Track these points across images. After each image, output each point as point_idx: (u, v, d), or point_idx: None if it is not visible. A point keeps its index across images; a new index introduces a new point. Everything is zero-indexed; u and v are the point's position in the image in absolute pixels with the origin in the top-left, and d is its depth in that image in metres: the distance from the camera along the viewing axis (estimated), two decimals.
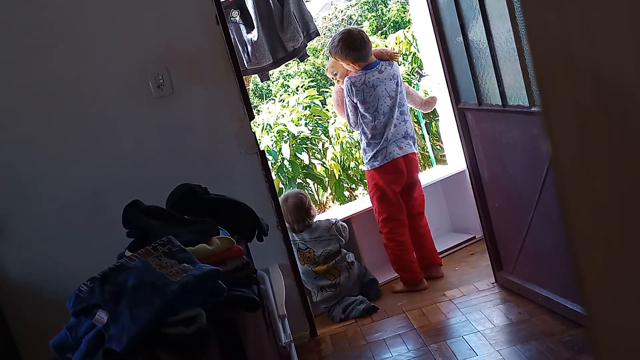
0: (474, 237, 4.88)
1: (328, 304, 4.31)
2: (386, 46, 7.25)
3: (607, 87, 0.64)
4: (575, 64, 0.67)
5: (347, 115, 4.35)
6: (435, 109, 4.91)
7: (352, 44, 4.17)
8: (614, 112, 0.64)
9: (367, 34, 4.51)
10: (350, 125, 4.41)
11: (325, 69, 4.68)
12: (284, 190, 6.17)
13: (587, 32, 0.65)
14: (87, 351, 1.75)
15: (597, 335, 0.75)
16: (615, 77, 0.63)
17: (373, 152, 4.26)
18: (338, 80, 4.43)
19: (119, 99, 3.61)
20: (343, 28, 4.28)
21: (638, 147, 0.62)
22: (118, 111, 3.62)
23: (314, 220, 4.39)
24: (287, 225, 4.10)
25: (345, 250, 4.39)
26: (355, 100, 4.24)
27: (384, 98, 4.25)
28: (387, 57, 4.32)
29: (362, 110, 4.25)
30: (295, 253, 4.24)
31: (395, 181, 4.30)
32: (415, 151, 4.40)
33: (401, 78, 4.35)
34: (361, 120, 4.28)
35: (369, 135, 4.27)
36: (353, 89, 4.23)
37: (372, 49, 4.31)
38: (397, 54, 4.51)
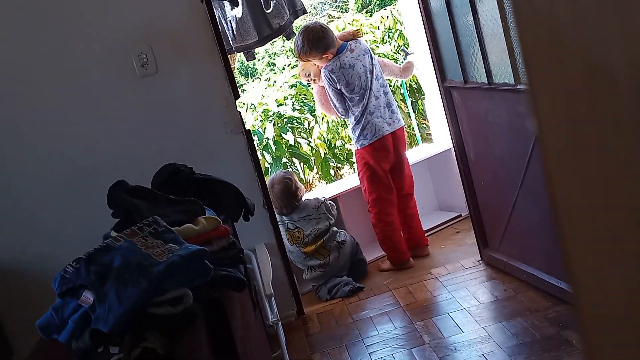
0: (460, 215, 4.90)
1: (317, 283, 4.32)
2: (371, 25, 7.23)
3: (595, 65, 0.64)
4: (563, 43, 0.67)
5: (335, 107, 4.32)
6: (421, 86, 4.91)
7: (315, 37, 4.18)
8: (601, 91, 0.63)
9: (353, 12, 4.51)
10: (342, 115, 4.36)
11: (298, 75, 4.65)
12: (269, 170, 6.16)
13: (575, 11, 0.64)
14: (73, 332, 1.75)
15: (582, 306, 0.75)
16: (603, 56, 0.62)
17: (361, 130, 4.25)
18: (314, 80, 4.42)
19: (102, 78, 3.57)
20: (301, 27, 4.26)
21: (625, 125, 0.62)
22: (102, 91, 3.58)
23: (303, 199, 4.39)
24: (275, 209, 4.11)
25: (335, 229, 4.39)
26: (339, 87, 4.22)
27: (365, 74, 4.25)
28: (351, 37, 4.32)
29: (348, 95, 4.23)
30: (283, 233, 4.24)
31: (384, 159, 4.30)
32: (403, 124, 4.42)
33: (371, 51, 4.37)
34: (349, 104, 4.27)
35: (356, 114, 4.26)
36: (332, 76, 4.21)
37: (335, 34, 4.33)
38: (358, 30, 4.51)
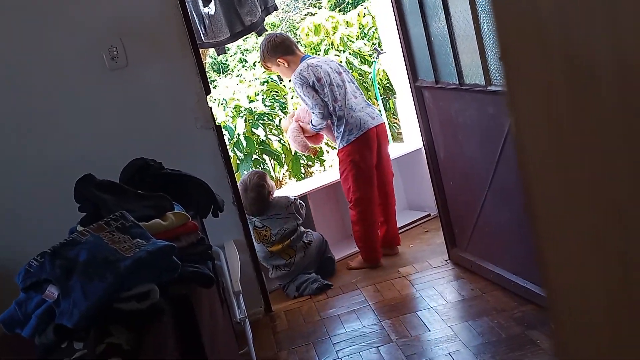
0: (429, 215, 4.93)
1: (282, 282, 4.31)
2: (347, 22, 7.24)
3: (578, 61, 0.63)
4: (545, 36, 0.65)
5: (316, 113, 4.30)
6: (392, 86, 4.93)
7: (272, 43, 4.29)
8: (584, 88, 0.62)
9: (326, 10, 4.56)
10: (325, 117, 4.30)
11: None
12: (240, 166, 6.13)
13: (558, 2, 0.62)
14: (37, 327, 1.72)
15: (557, 308, 0.75)
16: (587, 51, 0.61)
17: (345, 126, 4.24)
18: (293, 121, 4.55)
19: (71, 71, 3.53)
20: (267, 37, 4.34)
21: (608, 123, 0.61)
22: (70, 84, 3.54)
23: (273, 196, 4.39)
24: (245, 210, 4.10)
25: (303, 229, 4.38)
26: (311, 83, 4.22)
27: (333, 73, 4.28)
28: None
29: (321, 90, 4.22)
30: (250, 231, 4.23)
31: (370, 154, 4.31)
32: (385, 121, 4.44)
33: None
34: (329, 104, 4.25)
35: (338, 112, 4.24)
36: (302, 74, 4.22)
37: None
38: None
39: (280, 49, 4.29)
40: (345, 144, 4.27)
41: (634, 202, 0.61)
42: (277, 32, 4.46)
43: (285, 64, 4.31)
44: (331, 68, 4.31)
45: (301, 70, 4.22)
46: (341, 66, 4.43)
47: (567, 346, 0.75)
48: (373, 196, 4.36)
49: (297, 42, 5.59)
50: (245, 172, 6.09)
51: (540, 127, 0.68)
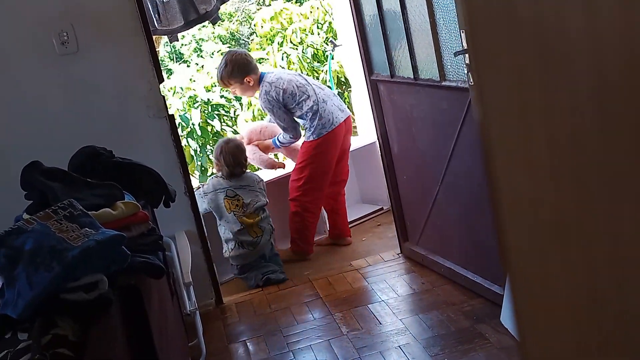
0: (382, 209, 4.95)
1: (240, 262, 4.22)
2: (301, 14, 7.22)
3: (551, 40, 0.61)
4: (515, 12, 0.63)
5: (287, 135, 4.34)
6: (347, 79, 4.95)
7: (240, 60, 4.29)
8: (556, 70, 0.61)
9: (283, 0, 4.61)
10: (296, 137, 4.38)
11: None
12: (193, 157, 6.08)
13: None
14: None
15: (519, 297, 0.74)
16: (560, 30, 0.60)
17: (319, 120, 4.23)
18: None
19: (19, 54, 3.43)
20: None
21: (580, 107, 0.60)
22: (18, 68, 3.44)
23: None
24: (220, 171, 4.15)
25: (268, 213, 4.34)
26: (281, 100, 4.23)
27: (293, 77, 4.35)
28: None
29: (291, 100, 4.23)
30: (220, 203, 4.16)
31: (335, 150, 4.33)
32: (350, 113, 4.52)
33: None
34: (300, 109, 4.26)
35: (313, 107, 4.23)
36: (272, 96, 4.23)
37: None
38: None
39: (249, 68, 4.30)
40: (316, 137, 4.27)
41: (600, 189, 0.61)
42: (238, 49, 4.54)
43: (251, 83, 4.31)
44: (289, 74, 4.40)
45: (267, 92, 4.25)
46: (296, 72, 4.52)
47: (528, 332, 0.75)
48: (323, 190, 4.37)
49: (252, 32, 5.57)
50: (199, 163, 6.05)
51: (510, 113, 0.67)
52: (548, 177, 0.64)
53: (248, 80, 4.29)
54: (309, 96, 4.25)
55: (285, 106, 4.26)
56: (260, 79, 4.31)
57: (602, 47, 0.57)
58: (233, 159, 4.21)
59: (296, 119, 4.33)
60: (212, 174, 4.75)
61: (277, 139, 4.46)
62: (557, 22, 0.59)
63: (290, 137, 4.38)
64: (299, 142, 4.49)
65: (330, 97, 4.37)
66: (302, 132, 4.39)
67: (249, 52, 4.65)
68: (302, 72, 4.53)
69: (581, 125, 0.60)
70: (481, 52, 0.67)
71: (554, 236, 0.67)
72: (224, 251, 4.26)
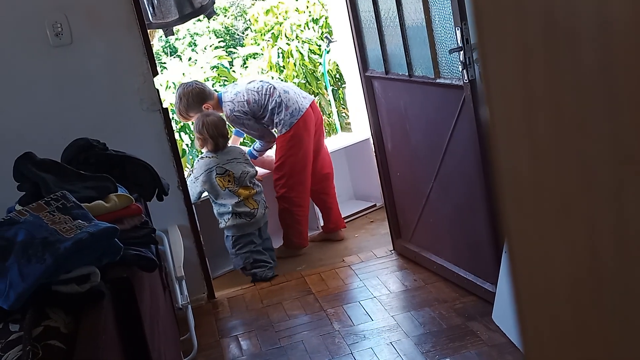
0: (375, 205, 4.95)
1: (236, 233, 4.15)
2: (297, 9, 7.21)
3: (557, 18, 0.60)
4: None
5: (263, 141, 4.36)
6: (342, 75, 4.94)
7: (193, 91, 4.27)
8: (562, 49, 0.60)
9: None
10: (270, 142, 4.40)
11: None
12: (187, 151, 6.06)
13: None
14: None
15: (520, 282, 0.73)
16: (567, 8, 0.59)
17: (285, 110, 4.22)
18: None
19: (13, 45, 3.41)
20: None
21: (585, 87, 0.59)
22: (11, 58, 3.42)
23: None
24: (203, 145, 4.17)
25: (261, 187, 4.33)
26: (246, 108, 4.24)
27: (249, 84, 4.35)
28: None
29: (257, 101, 4.24)
30: (214, 182, 4.12)
31: (309, 137, 4.32)
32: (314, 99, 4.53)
33: None
34: (269, 108, 4.26)
35: (276, 99, 4.23)
36: (238, 112, 4.24)
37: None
38: None
39: (204, 95, 4.29)
40: (288, 128, 4.26)
41: (605, 169, 0.60)
42: (192, 81, 4.50)
43: (210, 109, 4.31)
44: (244, 84, 4.40)
45: (231, 110, 4.25)
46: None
47: (528, 320, 0.74)
48: (307, 182, 4.37)
49: (247, 27, 5.56)
50: (190, 157, 6.03)
51: (514, 93, 0.66)
52: (552, 160, 0.64)
53: (206, 107, 4.29)
54: (271, 93, 4.25)
55: (254, 115, 4.26)
56: (219, 99, 4.32)
57: (608, 25, 0.56)
58: (216, 130, 4.18)
59: (266, 121, 4.32)
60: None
61: (253, 148, 4.44)
62: (564, 2, 0.59)
63: (266, 143, 4.40)
64: (260, 159, 4.52)
65: (290, 87, 4.40)
66: (274, 131, 4.40)
67: (200, 81, 4.66)
68: (300, 64, 4.49)
69: (588, 107, 0.60)
70: (486, 33, 0.66)
71: (558, 221, 0.66)
72: (219, 223, 4.19)
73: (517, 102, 0.66)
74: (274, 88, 4.28)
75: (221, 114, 4.32)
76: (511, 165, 0.68)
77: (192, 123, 4.64)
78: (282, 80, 5.18)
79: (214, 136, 4.16)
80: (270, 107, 4.24)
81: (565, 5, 0.59)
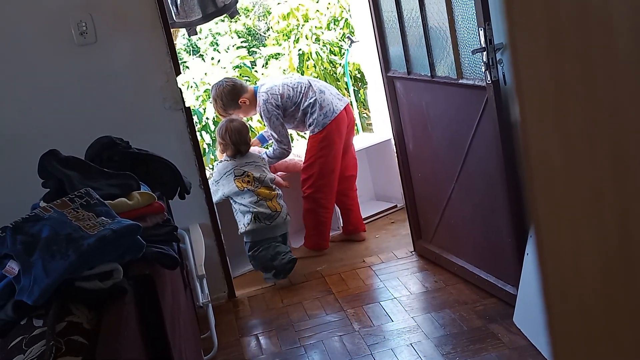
0: (396, 206, 4.93)
1: (252, 239, 4.07)
2: (318, 10, 7.21)
3: (590, 7, 0.59)
4: None
5: (278, 147, 4.33)
6: (364, 76, 4.93)
7: (225, 90, 4.28)
8: (595, 37, 0.59)
9: None
10: (284, 153, 4.37)
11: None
12: (207, 150, 6.09)
13: None
14: None
15: (549, 271, 0.72)
16: (601, 5, 0.58)
17: (320, 110, 4.23)
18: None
19: (38, 44, 3.45)
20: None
21: (618, 74, 0.59)
22: (37, 57, 3.46)
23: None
24: (224, 151, 4.16)
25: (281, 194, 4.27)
26: (277, 108, 4.23)
27: (286, 80, 4.36)
28: None
29: (290, 100, 4.24)
30: (233, 185, 4.09)
31: (340, 138, 4.32)
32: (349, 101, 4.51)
33: None
34: (301, 107, 4.26)
35: (309, 100, 4.23)
36: (271, 105, 4.22)
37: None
38: None
39: (237, 91, 4.30)
40: (321, 129, 4.25)
41: (638, 158, 0.60)
42: (223, 78, 4.51)
43: (247, 102, 4.32)
44: (281, 78, 4.40)
45: (265, 100, 4.25)
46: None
47: (557, 311, 0.73)
48: (334, 184, 4.36)
49: (269, 28, 5.58)
50: (212, 157, 6.05)
51: (546, 83, 0.65)
52: (584, 150, 0.63)
53: (242, 101, 4.30)
54: (306, 92, 4.25)
55: (285, 110, 4.26)
56: (255, 92, 4.33)
57: None
58: (239, 136, 4.17)
59: (297, 120, 4.32)
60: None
61: (266, 154, 4.39)
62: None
63: (281, 150, 4.34)
64: (284, 162, 4.51)
65: (327, 88, 4.39)
66: (305, 132, 4.40)
67: (232, 77, 4.73)
68: (319, 66, 4.50)
69: (621, 96, 0.59)
70: (516, 20, 0.65)
71: (588, 211, 0.65)
72: (239, 228, 4.11)
73: (548, 92, 0.65)
74: (310, 87, 4.28)
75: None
76: (541, 155, 0.67)
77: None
78: (346, 82, 5.20)
79: (237, 142, 4.16)
80: (303, 107, 4.25)
81: None
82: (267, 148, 4.48)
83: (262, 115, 4.31)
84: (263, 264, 4.07)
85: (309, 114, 4.26)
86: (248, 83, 4.52)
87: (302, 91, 4.26)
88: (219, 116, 4.52)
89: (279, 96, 4.24)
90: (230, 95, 4.28)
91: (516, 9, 0.65)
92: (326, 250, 4.44)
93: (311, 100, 4.23)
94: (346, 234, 4.57)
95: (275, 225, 4.08)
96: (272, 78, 4.51)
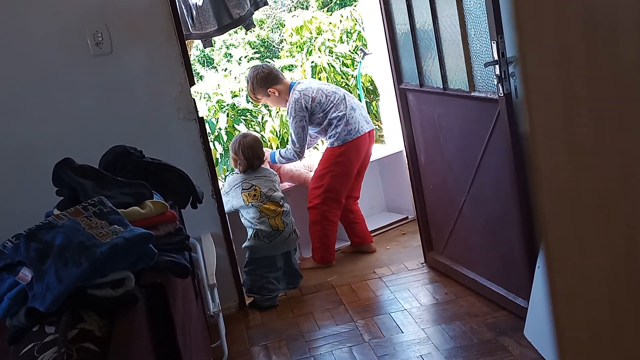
0: (407, 218, 4.94)
1: (249, 255, 4.02)
2: (331, 23, 7.25)
3: (598, 19, 0.60)
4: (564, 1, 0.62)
5: (293, 149, 4.32)
6: (376, 88, 4.95)
7: (260, 75, 4.31)
8: (603, 48, 0.60)
9: (314, 9, 4.64)
10: (296, 156, 4.36)
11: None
12: (219, 160, 6.12)
13: None
14: (8, 309, 1.70)
15: (556, 283, 0.73)
16: (608, 9, 0.59)
17: (345, 125, 4.25)
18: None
19: (54, 54, 3.49)
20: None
21: (625, 85, 0.59)
22: (53, 67, 3.50)
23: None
24: (237, 166, 4.15)
25: (290, 211, 4.21)
26: (309, 106, 4.24)
27: (323, 86, 4.37)
28: None
29: (319, 106, 4.25)
30: (239, 198, 4.08)
31: (357, 159, 4.34)
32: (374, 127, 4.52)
33: None
34: (329, 113, 4.27)
35: (338, 113, 4.25)
36: (300, 105, 4.23)
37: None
38: None
39: (270, 79, 4.31)
40: (341, 143, 4.27)
41: None
42: (263, 63, 4.59)
43: (276, 93, 4.33)
44: (319, 83, 4.42)
45: (296, 99, 4.25)
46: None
47: (564, 323, 0.73)
48: (342, 200, 4.38)
49: (282, 40, 5.62)
50: (224, 167, 6.08)
51: (553, 90, 0.66)
52: (592, 159, 0.63)
53: (272, 91, 4.31)
54: (338, 103, 4.27)
55: (313, 114, 4.27)
56: (290, 87, 4.34)
57: None
58: (252, 152, 4.15)
59: (320, 128, 4.33)
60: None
61: (279, 152, 4.41)
62: (605, 3, 0.58)
63: (293, 152, 4.33)
64: (292, 166, 4.52)
65: (359, 107, 4.40)
66: (325, 140, 4.40)
67: (272, 65, 4.68)
68: (331, 78, 4.55)
69: (628, 105, 0.59)
70: (526, 33, 0.65)
71: (596, 220, 0.66)
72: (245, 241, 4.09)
73: (557, 102, 0.65)
74: (344, 101, 4.29)
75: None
76: (550, 164, 0.68)
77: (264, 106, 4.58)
78: (358, 94, 5.26)
79: (249, 158, 4.14)
80: (330, 116, 4.26)
81: (605, 4, 0.58)
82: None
83: (289, 112, 4.32)
84: (249, 286, 4.04)
85: (333, 126, 4.27)
86: (291, 79, 4.51)
87: (335, 101, 4.27)
88: (250, 99, 4.58)
89: (311, 99, 4.25)
90: (262, 82, 4.31)
91: (526, 22, 0.65)
92: (332, 264, 4.44)
93: (340, 114, 4.25)
94: (354, 246, 4.56)
95: (274, 244, 4.02)
96: (310, 80, 4.53)
